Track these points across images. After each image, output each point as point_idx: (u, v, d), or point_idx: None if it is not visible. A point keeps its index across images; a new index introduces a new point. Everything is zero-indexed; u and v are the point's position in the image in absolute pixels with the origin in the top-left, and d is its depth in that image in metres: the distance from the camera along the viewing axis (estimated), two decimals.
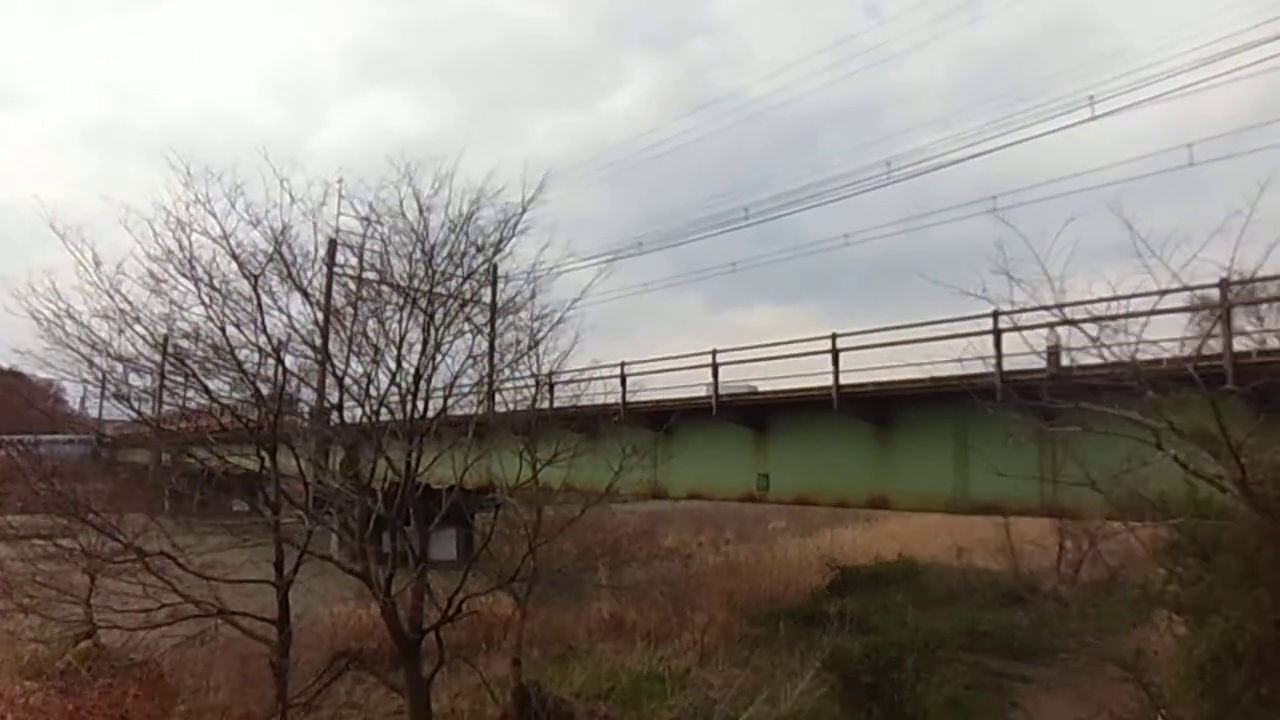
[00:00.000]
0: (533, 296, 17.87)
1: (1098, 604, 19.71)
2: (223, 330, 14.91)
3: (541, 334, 18.17)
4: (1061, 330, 11.87)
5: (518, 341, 18.61)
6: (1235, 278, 11.84)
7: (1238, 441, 7.66)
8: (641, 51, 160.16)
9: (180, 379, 16.62)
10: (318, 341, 16.03)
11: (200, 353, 15.53)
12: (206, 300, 14.81)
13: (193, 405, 18.60)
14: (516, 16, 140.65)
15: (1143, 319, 10.27)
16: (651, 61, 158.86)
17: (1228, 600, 8.09)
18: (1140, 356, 8.82)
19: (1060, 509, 15.56)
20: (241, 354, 15.17)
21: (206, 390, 15.71)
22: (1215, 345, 12.58)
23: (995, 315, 14.31)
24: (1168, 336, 12.05)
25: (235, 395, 16.16)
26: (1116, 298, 11.22)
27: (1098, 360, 9.58)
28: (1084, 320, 10.06)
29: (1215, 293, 12.44)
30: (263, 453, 15.14)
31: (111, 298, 14.61)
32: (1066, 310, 9.95)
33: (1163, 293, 9.71)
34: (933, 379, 16.36)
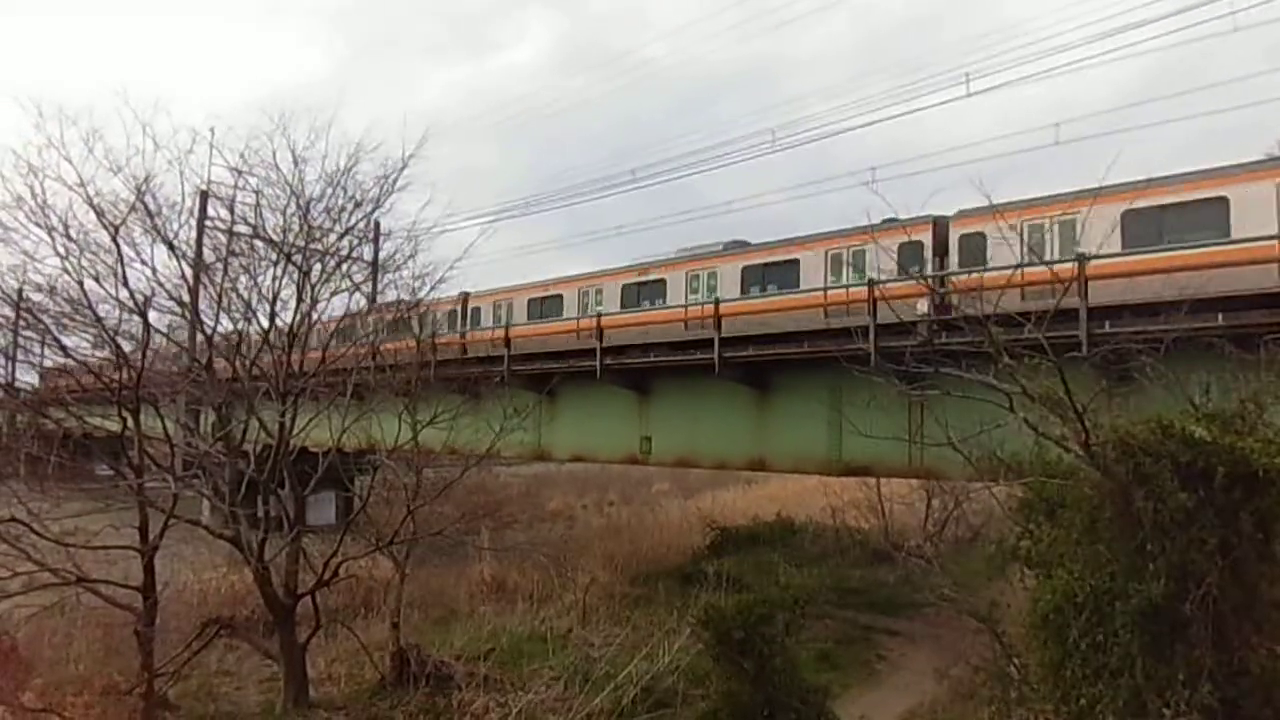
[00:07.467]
0: (413, 255, 17.58)
1: (960, 560, 20.74)
2: (80, 284, 14.16)
3: (424, 293, 17.95)
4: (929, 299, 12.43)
5: (399, 300, 18.35)
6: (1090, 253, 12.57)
7: (1082, 405, 8.16)
8: (541, 6, 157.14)
9: (34, 335, 15.73)
10: (185, 297, 15.35)
11: (56, 307, 14.76)
12: (62, 251, 13.97)
13: (49, 364, 17.64)
14: None
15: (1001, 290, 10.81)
16: (551, 17, 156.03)
17: (1070, 554, 8.62)
18: (997, 326, 9.25)
19: (925, 470, 16.30)
20: (102, 309, 14.43)
21: (63, 348, 14.89)
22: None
23: (870, 284, 14.80)
24: (1031, 307, 12.72)
25: (95, 353, 15.39)
26: (979, 270, 11.77)
27: (962, 328, 10.04)
28: (949, 291, 10.51)
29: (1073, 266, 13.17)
30: (125, 414, 14.41)
31: None
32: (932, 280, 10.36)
33: (1020, 266, 10.21)
34: (811, 346, 16.84)
